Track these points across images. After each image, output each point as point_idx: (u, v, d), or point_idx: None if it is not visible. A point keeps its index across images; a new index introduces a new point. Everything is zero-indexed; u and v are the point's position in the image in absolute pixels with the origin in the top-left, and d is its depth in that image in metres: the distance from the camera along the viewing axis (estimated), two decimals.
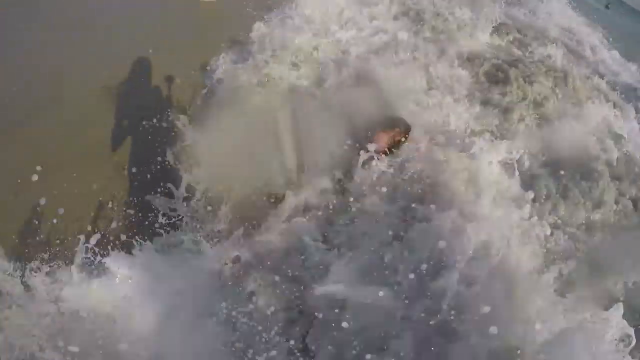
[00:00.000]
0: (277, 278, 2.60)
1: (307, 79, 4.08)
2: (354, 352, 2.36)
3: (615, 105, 5.37)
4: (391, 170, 3.17)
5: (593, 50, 6.53)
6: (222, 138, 3.31)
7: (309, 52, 4.35)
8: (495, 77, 4.74)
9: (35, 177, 2.75)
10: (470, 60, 4.89)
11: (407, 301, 2.48)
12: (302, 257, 2.72)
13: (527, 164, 3.82)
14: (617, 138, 4.78)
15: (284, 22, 4.53)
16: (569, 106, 4.90)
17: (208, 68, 4.28)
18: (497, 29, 6.12)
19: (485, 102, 4.37)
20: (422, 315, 2.45)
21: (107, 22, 4.80)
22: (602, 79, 5.95)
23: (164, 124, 3.61)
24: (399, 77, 4.12)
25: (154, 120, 3.61)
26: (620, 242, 3.57)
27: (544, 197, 3.66)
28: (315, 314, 2.48)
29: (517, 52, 5.65)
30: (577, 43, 6.68)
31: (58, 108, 3.70)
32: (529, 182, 3.70)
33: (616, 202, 3.96)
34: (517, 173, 3.57)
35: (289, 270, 2.65)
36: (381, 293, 2.42)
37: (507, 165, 3.51)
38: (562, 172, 3.83)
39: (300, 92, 3.89)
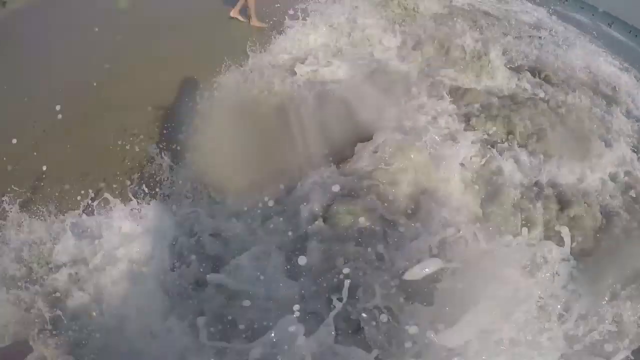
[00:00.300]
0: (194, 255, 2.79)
1: (287, 101, 4.07)
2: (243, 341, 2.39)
3: (637, 149, 5.01)
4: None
5: (625, 94, 6.11)
6: (205, 143, 3.72)
7: (295, 79, 4.41)
8: (484, 115, 4.61)
9: None
10: (463, 95, 4.81)
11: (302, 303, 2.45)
12: (225, 238, 2.92)
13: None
14: (628, 179, 4.45)
15: (276, 48, 4.83)
16: (574, 145, 4.66)
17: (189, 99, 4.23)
18: (516, 69, 6.04)
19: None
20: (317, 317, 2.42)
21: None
22: (632, 121, 5.56)
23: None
24: (380, 103, 4.23)
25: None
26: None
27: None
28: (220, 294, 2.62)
29: (527, 94, 5.41)
30: (611, 89, 6.30)
31: None
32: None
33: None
34: (476, 187, 3.54)
35: (212, 247, 2.87)
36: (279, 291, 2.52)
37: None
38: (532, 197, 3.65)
39: (276, 112, 3.95)
